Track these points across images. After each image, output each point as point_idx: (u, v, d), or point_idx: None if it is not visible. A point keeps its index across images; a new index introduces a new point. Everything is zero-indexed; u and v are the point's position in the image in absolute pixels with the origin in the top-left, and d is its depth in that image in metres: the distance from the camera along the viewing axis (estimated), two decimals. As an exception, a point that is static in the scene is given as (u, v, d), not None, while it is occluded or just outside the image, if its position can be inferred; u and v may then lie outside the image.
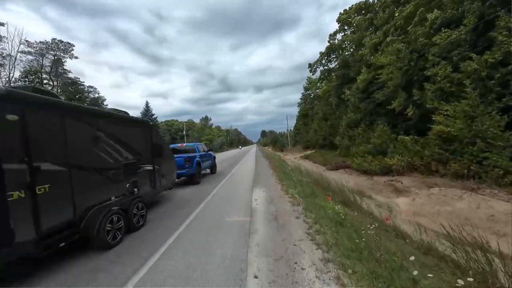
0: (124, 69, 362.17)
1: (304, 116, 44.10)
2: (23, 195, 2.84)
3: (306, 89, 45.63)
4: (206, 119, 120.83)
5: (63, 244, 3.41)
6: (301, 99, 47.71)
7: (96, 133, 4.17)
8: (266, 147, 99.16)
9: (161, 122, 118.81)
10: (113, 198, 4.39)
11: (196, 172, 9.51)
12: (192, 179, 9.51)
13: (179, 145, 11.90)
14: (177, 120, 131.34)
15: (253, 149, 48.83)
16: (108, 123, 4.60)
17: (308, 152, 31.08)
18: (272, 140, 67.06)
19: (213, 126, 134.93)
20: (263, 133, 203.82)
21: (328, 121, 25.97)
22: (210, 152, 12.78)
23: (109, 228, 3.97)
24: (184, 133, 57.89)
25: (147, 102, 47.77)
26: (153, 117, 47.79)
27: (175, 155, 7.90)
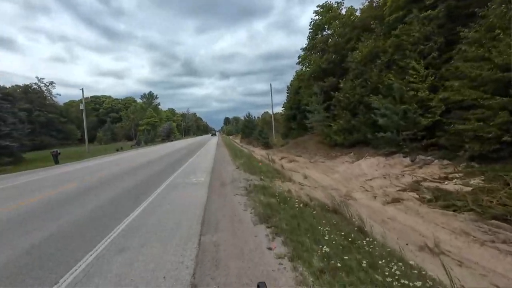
0: (68, 40, 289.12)
1: (315, 78, 21.83)
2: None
3: (316, 27, 23.28)
4: (150, 96, 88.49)
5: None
6: (304, 50, 25.06)
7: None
8: (231, 137, 74.84)
9: (86, 98, 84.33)
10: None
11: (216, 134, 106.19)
12: (215, 135, 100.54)
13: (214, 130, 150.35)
14: (110, 97, 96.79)
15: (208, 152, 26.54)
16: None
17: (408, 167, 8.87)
18: (244, 127, 40.20)
19: (165, 109, 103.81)
20: (226, 120, 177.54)
21: None
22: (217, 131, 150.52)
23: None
24: (82, 107, 30.72)
25: None
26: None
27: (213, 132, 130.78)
